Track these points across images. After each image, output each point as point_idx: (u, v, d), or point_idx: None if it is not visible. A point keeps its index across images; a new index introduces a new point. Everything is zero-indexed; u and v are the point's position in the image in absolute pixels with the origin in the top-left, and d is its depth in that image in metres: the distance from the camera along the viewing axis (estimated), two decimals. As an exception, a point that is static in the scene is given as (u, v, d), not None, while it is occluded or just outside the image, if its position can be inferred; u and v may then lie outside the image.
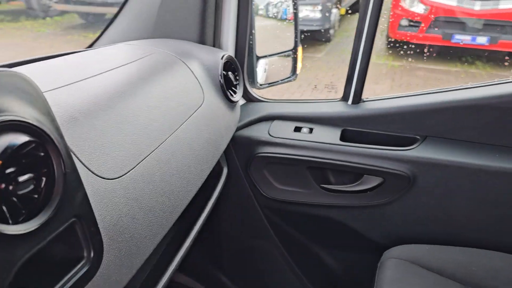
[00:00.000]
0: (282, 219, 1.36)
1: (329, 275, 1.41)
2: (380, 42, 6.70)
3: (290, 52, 1.52)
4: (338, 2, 7.05)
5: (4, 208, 0.42)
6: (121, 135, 0.69)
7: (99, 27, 8.17)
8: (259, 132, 1.28)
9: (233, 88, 1.14)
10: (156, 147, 0.76)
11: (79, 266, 0.51)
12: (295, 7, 1.48)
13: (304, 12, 6.30)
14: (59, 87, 0.69)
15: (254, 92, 1.41)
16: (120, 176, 0.65)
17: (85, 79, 0.76)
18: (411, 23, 5.65)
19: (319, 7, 6.26)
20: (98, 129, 0.66)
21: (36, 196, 0.45)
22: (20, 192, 0.43)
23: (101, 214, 0.57)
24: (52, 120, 0.49)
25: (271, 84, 1.51)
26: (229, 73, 1.13)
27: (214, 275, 1.56)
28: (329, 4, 6.44)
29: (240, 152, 1.28)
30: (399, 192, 1.19)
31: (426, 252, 1.12)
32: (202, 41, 1.21)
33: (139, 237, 0.66)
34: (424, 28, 5.56)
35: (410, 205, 1.20)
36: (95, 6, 7.76)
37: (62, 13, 8.70)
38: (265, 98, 1.41)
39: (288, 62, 1.57)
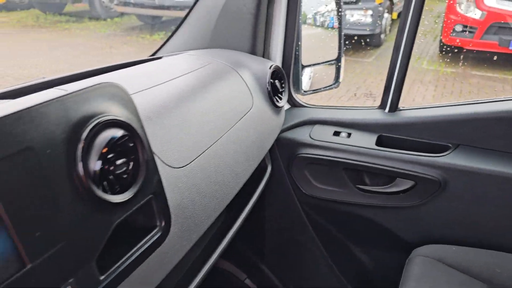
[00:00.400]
0: (320, 216, 1.48)
1: (361, 270, 1.51)
2: (432, 47, 6.59)
3: (334, 61, 1.64)
4: (391, 7, 7.00)
5: (105, 183, 0.57)
6: (184, 133, 0.85)
7: (155, 29, 8.58)
8: (301, 134, 1.40)
9: (279, 95, 1.28)
10: (212, 144, 0.91)
11: (153, 232, 0.67)
12: (339, 19, 1.59)
13: (355, 16, 6.32)
14: (136, 93, 0.85)
15: (299, 98, 1.54)
16: (183, 166, 0.80)
17: (154, 86, 0.92)
18: (466, 29, 5.53)
19: (370, 12, 6.26)
20: (167, 127, 0.81)
21: (126, 176, 0.60)
22: (117, 172, 0.58)
23: (169, 195, 0.72)
24: (138, 119, 0.64)
25: (315, 91, 1.63)
26: (276, 81, 1.26)
27: (255, 264, 1.70)
28: (380, 8, 6.42)
29: (284, 152, 1.42)
30: (429, 196, 1.27)
31: (453, 252, 1.20)
32: (253, 51, 1.35)
33: (196, 217, 0.81)
34: (480, 34, 5.42)
35: (439, 208, 1.28)
36: (152, 8, 8.14)
37: (122, 15, 9.20)
38: (308, 104, 1.54)
39: (332, 70, 1.69)
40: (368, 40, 6.68)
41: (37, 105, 0.50)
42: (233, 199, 0.99)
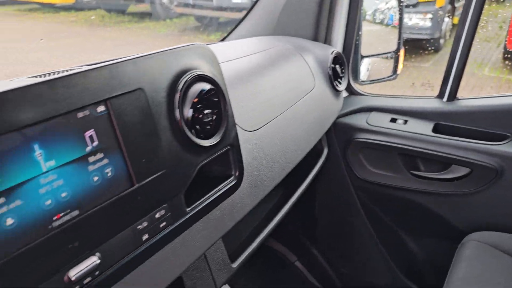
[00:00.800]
0: (372, 200, 1.52)
1: (410, 256, 1.54)
2: (495, 53, 6.34)
3: (392, 53, 1.67)
4: (452, 11, 6.80)
5: (193, 130, 0.67)
6: (254, 102, 0.94)
7: (212, 29, 8.82)
8: (358, 120, 1.46)
9: (338, 80, 1.34)
10: (278, 115, 0.99)
11: (229, 180, 0.75)
12: (401, 12, 1.62)
13: (414, 20, 6.19)
14: None
15: (357, 87, 1.59)
16: (253, 130, 0.89)
17: (229, 60, 1.02)
18: (533, 35, 5.28)
19: (430, 15, 6.11)
20: (240, 95, 0.91)
21: (209, 126, 0.70)
22: (204, 120, 0.68)
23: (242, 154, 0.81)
24: (223, 78, 0.74)
25: (373, 81, 1.67)
26: (337, 66, 1.33)
27: (305, 246, 1.76)
28: (441, 12, 6.25)
29: (340, 136, 1.48)
30: (485, 184, 1.28)
31: (507, 239, 1.21)
32: (315, 39, 1.43)
33: (263, 176, 0.90)
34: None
35: (495, 196, 1.29)
36: (210, 10, 8.38)
37: (180, 15, 9.54)
38: (365, 93, 1.59)
39: (389, 63, 1.72)
40: (425, 44, 6.53)
41: (147, 55, 0.60)
42: (288, 179, 1.05)
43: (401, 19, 1.66)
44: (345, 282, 1.70)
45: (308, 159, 1.21)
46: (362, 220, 1.57)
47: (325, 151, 1.46)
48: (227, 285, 0.92)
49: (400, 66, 1.73)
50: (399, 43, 1.63)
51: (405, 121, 1.42)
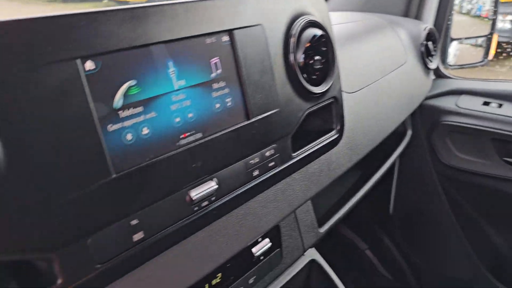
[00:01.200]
0: (457, 188, 1.44)
1: (496, 252, 1.44)
2: None
3: (485, 37, 1.58)
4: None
5: (305, 75, 0.66)
6: (351, 66, 0.92)
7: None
8: (447, 103, 1.39)
9: (430, 57, 1.28)
10: (373, 82, 0.97)
11: (331, 133, 0.74)
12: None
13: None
14: None
15: (445, 70, 1.52)
16: (352, 92, 0.87)
17: None
18: None
19: (510, 17, 5.75)
20: (340, 58, 0.89)
21: (317, 74, 0.69)
22: (314, 67, 0.67)
23: (340, 111, 0.80)
24: (332, 28, 0.73)
25: (462, 66, 1.59)
26: (429, 43, 1.27)
27: (377, 234, 1.71)
28: (523, 13, 5.85)
29: (426, 118, 1.41)
30: None
31: None
32: (405, 15, 1.38)
33: (357, 140, 0.88)
34: None
35: None
36: None
37: None
38: (454, 76, 1.51)
39: (476, 51, 1.63)
40: (503, 48, 6.14)
41: None
42: (368, 159, 1.01)
43: (497, 2, 1.56)
44: (418, 274, 1.63)
45: (388, 141, 1.16)
46: (443, 209, 1.49)
47: (409, 133, 1.41)
48: (314, 248, 0.90)
49: (492, 51, 1.63)
50: (493, 26, 1.54)
51: (500, 105, 1.33)
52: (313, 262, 0.89)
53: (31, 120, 0.37)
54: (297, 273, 0.84)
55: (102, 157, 0.42)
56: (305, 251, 0.88)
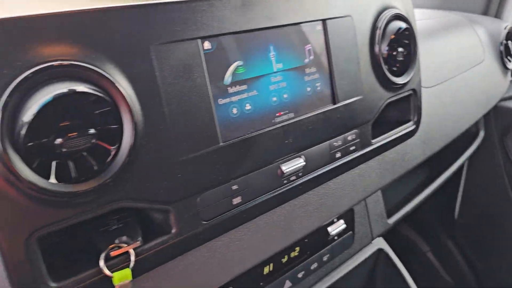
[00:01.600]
0: None
1: None
2: None
3: None
4: None
5: (387, 66, 0.69)
6: (429, 61, 0.93)
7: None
8: None
9: (509, 57, 1.25)
10: (449, 78, 0.97)
11: (408, 124, 0.77)
12: None
13: None
14: None
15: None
16: (429, 87, 0.88)
17: None
18: None
19: None
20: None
21: (397, 66, 0.71)
22: (396, 59, 0.70)
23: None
24: (415, 21, 0.75)
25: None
26: (509, 42, 1.24)
27: (440, 237, 1.68)
28: None
29: (500, 120, 1.38)
30: None
31: None
32: (485, 13, 1.35)
33: (432, 134, 0.89)
34: None
35: None
36: None
37: None
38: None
39: None
40: None
41: None
42: (438, 158, 1.01)
43: None
44: (482, 280, 1.58)
45: (459, 141, 1.15)
46: None
47: (481, 134, 1.38)
48: (381, 238, 0.93)
49: None
50: None
51: None
52: (380, 251, 0.91)
53: (163, 90, 0.43)
54: (365, 260, 0.87)
55: (213, 126, 0.47)
56: (373, 239, 0.90)
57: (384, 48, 0.68)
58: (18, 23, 0.36)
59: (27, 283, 0.38)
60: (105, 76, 0.39)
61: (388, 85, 0.69)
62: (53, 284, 0.39)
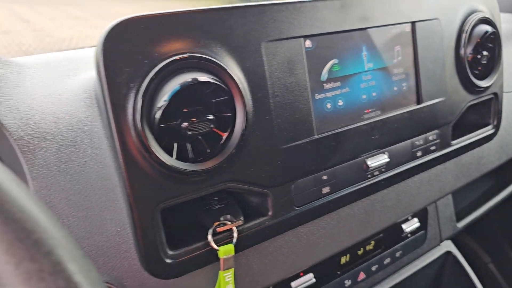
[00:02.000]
0: None
1: None
2: None
3: None
4: None
5: (472, 68, 0.70)
6: (508, 66, 0.92)
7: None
8: None
9: None
10: None
11: (487, 127, 0.77)
12: None
13: None
14: None
15: None
16: (508, 92, 0.87)
17: None
18: None
19: None
20: None
21: (480, 68, 0.72)
22: (481, 62, 0.70)
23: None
24: (501, 24, 0.75)
25: None
26: None
27: (503, 248, 1.62)
28: None
29: None
30: None
31: None
32: None
33: (509, 139, 0.88)
34: None
35: None
36: None
37: None
38: None
39: None
40: None
41: None
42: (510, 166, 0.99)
43: None
44: None
45: None
46: None
47: None
48: (450, 241, 0.93)
49: None
50: None
51: None
52: (449, 254, 0.91)
53: (270, 83, 0.47)
54: (434, 260, 0.87)
55: (310, 119, 0.51)
56: (441, 242, 0.91)
57: (469, 51, 0.69)
58: (157, 20, 0.41)
59: (150, 249, 0.43)
60: (224, 68, 0.43)
61: (471, 88, 0.70)
62: (170, 252, 0.44)
